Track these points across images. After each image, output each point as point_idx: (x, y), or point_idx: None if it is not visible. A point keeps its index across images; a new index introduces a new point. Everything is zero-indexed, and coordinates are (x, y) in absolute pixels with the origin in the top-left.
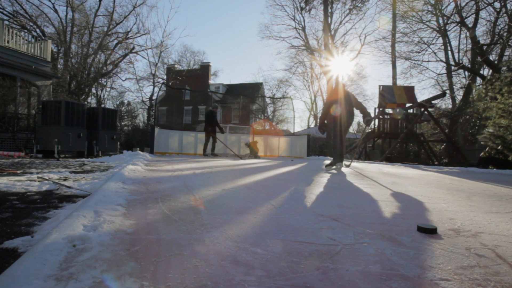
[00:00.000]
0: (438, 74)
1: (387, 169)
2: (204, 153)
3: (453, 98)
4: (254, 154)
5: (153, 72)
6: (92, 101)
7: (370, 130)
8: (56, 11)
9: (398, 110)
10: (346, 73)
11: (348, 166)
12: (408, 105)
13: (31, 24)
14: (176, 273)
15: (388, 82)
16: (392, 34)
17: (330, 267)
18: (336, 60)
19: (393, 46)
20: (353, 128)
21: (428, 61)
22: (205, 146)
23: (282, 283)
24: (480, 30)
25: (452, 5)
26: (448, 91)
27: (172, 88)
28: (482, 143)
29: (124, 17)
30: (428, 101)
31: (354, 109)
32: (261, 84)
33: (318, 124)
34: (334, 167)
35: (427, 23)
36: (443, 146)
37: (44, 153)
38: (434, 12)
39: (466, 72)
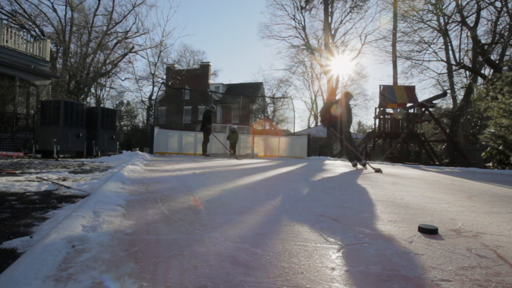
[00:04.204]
0: (439, 73)
1: (387, 169)
2: (204, 153)
3: (454, 98)
4: (232, 148)
5: (152, 72)
6: (91, 101)
7: (370, 130)
8: (55, 10)
9: (399, 110)
10: (347, 72)
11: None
12: (409, 105)
13: (30, 23)
14: (176, 274)
15: (389, 81)
16: (393, 33)
17: (330, 267)
18: (337, 59)
19: (393, 45)
20: (353, 128)
21: (429, 60)
22: (204, 146)
23: (282, 284)
24: (481, 30)
25: (453, 4)
26: (449, 91)
27: (172, 88)
28: (483, 143)
29: (123, 16)
30: (429, 100)
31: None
32: (261, 84)
33: (321, 119)
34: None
35: (428, 22)
36: (444, 146)
37: (43, 153)
38: (435, 12)
39: (467, 72)
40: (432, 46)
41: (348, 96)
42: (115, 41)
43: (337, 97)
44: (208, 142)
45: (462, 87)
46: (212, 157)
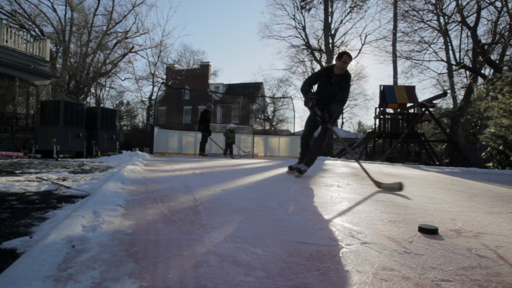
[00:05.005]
0: (439, 73)
1: (388, 170)
2: (201, 153)
3: (454, 98)
4: (229, 147)
5: (152, 72)
6: (91, 101)
7: (370, 130)
8: (55, 10)
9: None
10: None
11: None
12: (409, 105)
13: (29, 23)
14: (176, 274)
15: (389, 81)
16: (393, 33)
17: (330, 267)
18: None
19: (394, 45)
20: (353, 128)
21: (429, 60)
22: (202, 146)
23: (282, 284)
24: (482, 30)
25: (453, 4)
26: (449, 91)
27: (172, 88)
28: (483, 143)
29: (123, 16)
30: (429, 100)
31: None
32: (261, 83)
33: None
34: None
35: (428, 22)
36: (444, 146)
37: (43, 153)
38: (435, 12)
39: (468, 72)
40: (432, 46)
41: (348, 60)
42: (115, 41)
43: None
44: (206, 142)
45: (462, 87)
46: (210, 157)
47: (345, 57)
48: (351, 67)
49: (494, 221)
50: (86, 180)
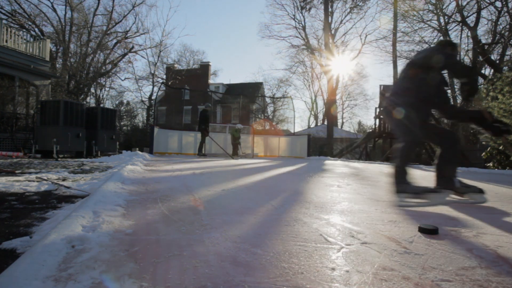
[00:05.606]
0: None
1: (388, 170)
2: (200, 153)
3: (454, 98)
4: (234, 149)
5: (152, 72)
6: (91, 101)
7: (370, 130)
8: (55, 10)
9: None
10: (347, 72)
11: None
12: None
13: (29, 23)
14: (176, 274)
15: (389, 81)
16: (393, 33)
17: (330, 267)
18: (337, 59)
19: (394, 45)
20: (353, 128)
21: None
22: (200, 146)
23: (282, 284)
24: (482, 30)
25: (453, 4)
26: (449, 91)
27: (172, 88)
28: (483, 143)
29: (123, 16)
30: None
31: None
32: (261, 83)
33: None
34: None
35: (428, 22)
36: None
37: (43, 153)
38: (435, 12)
39: None
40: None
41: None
42: (115, 41)
43: None
44: (204, 142)
45: None
46: (208, 157)
47: (458, 49)
48: (352, 67)
49: (494, 221)
50: (86, 180)
